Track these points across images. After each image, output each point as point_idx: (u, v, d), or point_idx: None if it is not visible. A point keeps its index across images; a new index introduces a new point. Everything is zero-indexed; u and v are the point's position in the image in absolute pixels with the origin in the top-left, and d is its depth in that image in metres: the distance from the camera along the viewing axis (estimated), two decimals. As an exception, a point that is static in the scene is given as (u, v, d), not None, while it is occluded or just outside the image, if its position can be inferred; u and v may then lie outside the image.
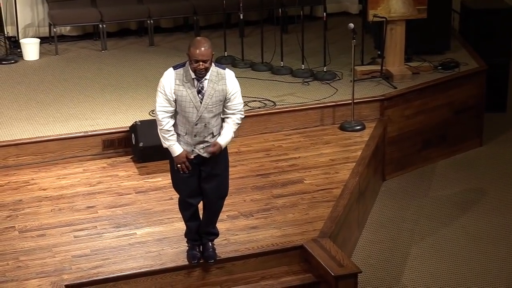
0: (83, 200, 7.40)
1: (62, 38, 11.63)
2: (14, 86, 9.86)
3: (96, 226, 6.86)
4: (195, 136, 5.97)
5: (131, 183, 7.75)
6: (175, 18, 12.28)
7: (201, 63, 5.76)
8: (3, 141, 8.14)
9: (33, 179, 7.83)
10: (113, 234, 6.76)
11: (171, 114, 5.97)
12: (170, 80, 5.92)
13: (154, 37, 11.70)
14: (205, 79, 5.87)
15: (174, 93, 5.90)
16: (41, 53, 11.06)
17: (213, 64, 5.89)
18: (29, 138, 8.20)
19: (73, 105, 9.18)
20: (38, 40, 11.11)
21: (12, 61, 10.84)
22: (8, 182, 7.77)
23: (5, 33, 11.43)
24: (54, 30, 11.29)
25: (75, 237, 6.72)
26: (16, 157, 8.08)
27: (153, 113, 5.44)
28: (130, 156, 8.29)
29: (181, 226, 6.80)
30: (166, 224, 6.90)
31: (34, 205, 7.32)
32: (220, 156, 6.08)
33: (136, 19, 11.96)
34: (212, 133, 6.01)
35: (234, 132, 6.13)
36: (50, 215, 7.11)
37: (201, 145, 6.01)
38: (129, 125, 8.33)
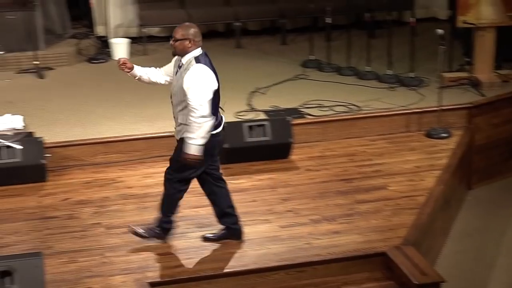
0: (168, 199, 7.48)
1: (151, 38, 11.80)
2: (103, 85, 10.05)
3: (180, 225, 6.93)
4: (175, 118, 6.39)
5: (215, 184, 7.80)
6: (262, 21, 12.34)
7: (172, 38, 6.22)
8: (92, 139, 8.31)
9: (119, 177, 7.97)
10: (196, 234, 6.82)
11: None
12: (173, 60, 6.44)
13: (241, 39, 11.77)
14: (182, 63, 6.22)
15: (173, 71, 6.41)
16: (131, 53, 11.24)
17: (195, 55, 6.18)
18: (117, 137, 8.35)
19: (160, 105, 9.29)
20: (128, 40, 11.30)
21: (102, 61, 11.06)
22: (96, 179, 7.92)
23: (96, 33, 11.67)
24: (144, 30, 11.47)
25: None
26: (104, 155, 8.24)
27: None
28: (214, 157, 8.36)
29: (264, 228, 6.85)
30: (248, 226, 6.92)
31: (120, 202, 7.44)
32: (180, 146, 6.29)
33: (224, 21, 12.05)
34: (176, 118, 6.34)
35: (195, 131, 6.11)
36: (135, 213, 7.22)
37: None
38: (215, 126, 8.39)
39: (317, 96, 9.52)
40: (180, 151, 6.29)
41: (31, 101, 9.47)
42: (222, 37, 12.19)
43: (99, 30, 11.74)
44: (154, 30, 11.96)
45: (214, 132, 6.27)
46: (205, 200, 7.38)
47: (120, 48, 11.13)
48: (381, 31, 11.59)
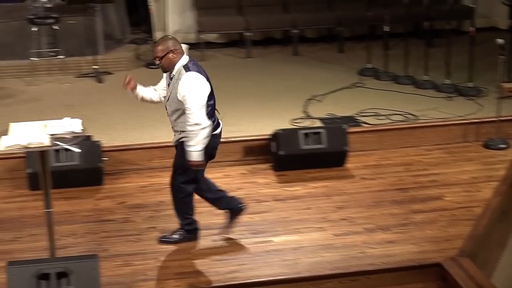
0: (222, 204, 7.51)
1: (209, 44, 11.87)
2: (161, 90, 10.13)
3: (233, 231, 6.95)
4: (172, 126, 6.56)
5: (270, 191, 7.82)
6: (319, 28, 12.33)
7: (155, 58, 6.37)
8: (148, 143, 8.39)
9: (175, 182, 8.01)
10: (250, 240, 6.84)
11: None
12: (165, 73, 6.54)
13: (298, 46, 11.78)
14: (173, 75, 6.34)
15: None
16: (188, 59, 11.31)
17: (183, 63, 6.30)
18: (173, 142, 8.41)
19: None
20: (186, 46, 11.37)
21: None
22: (152, 184, 7.99)
23: (155, 38, 11.79)
24: (202, 36, 11.54)
25: (213, 240, 6.84)
26: (160, 159, 8.30)
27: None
28: (269, 164, 8.37)
29: (318, 236, 6.83)
30: (303, 233, 6.92)
31: (175, 207, 7.49)
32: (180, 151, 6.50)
33: (282, 29, 12.08)
34: (173, 127, 6.53)
35: (194, 139, 6.25)
36: (190, 218, 7.26)
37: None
38: (270, 133, 8.41)
39: (373, 104, 9.48)
40: (179, 155, 6.51)
41: (90, 105, 9.60)
42: (279, 44, 12.21)
43: (158, 35, 11.84)
44: (212, 36, 12.03)
45: (213, 133, 6.42)
46: (260, 207, 7.42)
47: (178, 54, 11.21)
48: (440, 40, 11.48)
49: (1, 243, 6.81)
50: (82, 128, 6.08)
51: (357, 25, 12.21)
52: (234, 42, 12.15)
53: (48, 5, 10.60)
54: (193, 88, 6.25)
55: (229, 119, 9.04)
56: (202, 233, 6.92)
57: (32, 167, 7.68)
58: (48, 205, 5.99)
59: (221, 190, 6.87)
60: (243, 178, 8.10)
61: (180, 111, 6.36)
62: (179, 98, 6.28)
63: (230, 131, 8.66)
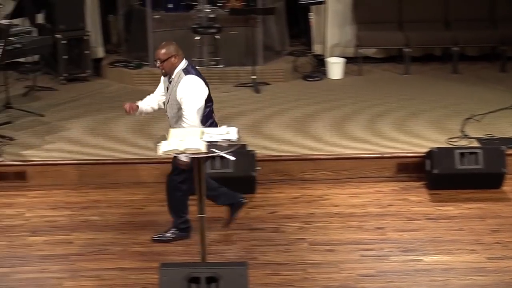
0: (373, 220, 7.46)
1: (367, 59, 11.82)
2: (317, 103, 10.17)
3: (383, 248, 6.89)
4: (170, 127, 6.64)
5: (422, 209, 7.70)
6: (481, 46, 12.05)
7: (157, 61, 6.61)
8: (302, 155, 8.43)
9: (326, 195, 8.03)
10: (399, 258, 6.76)
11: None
12: (162, 77, 6.83)
13: (458, 64, 11.55)
14: (172, 78, 6.62)
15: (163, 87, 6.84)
16: (345, 73, 11.32)
17: (183, 67, 6.61)
18: (326, 154, 8.43)
19: (371, 125, 9.30)
20: (344, 59, 11.39)
21: (317, 79, 11.20)
22: (303, 195, 8.03)
23: (313, 51, 11.86)
24: (360, 51, 11.52)
25: (362, 256, 6.80)
26: (313, 172, 8.33)
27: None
28: (423, 182, 8.24)
29: (470, 258, 6.68)
30: (454, 255, 6.77)
31: (325, 220, 7.50)
32: None
33: (442, 45, 11.88)
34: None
35: None
36: (340, 232, 7.25)
37: None
38: (425, 151, 8.28)
39: (535, 127, 9.18)
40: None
41: (246, 114, 9.75)
42: (439, 61, 12.00)
43: (316, 48, 11.91)
44: (370, 51, 11.97)
45: None
46: (411, 225, 7.32)
47: (335, 67, 11.24)
48: None
49: (156, 245, 7.02)
50: (238, 136, 6.18)
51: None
52: (392, 58, 12.03)
53: (212, 15, 10.87)
54: (191, 91, 6.57)
55: (384, 134, 9.00)
56: (350, 247, 6.91)
57: (188, 172, 7.87)
58: (201, 211, 6.13)
59: (221, 187, 7.12)
60: (395, 195, 8.02)
61: (180, 113, 6.64)
62: (177, 99, 6.57)
63: (384, 146, 8.61)
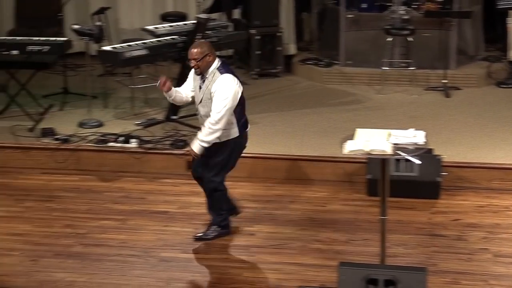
0: None
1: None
2: (508, 111, 9.84)
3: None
4: (202, 125, 6.74)
5: None
6: None
7: (192, 60, 6.64)
8: (490, 163, 8.22)
9: (513, 206, 7.80)
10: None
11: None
12: (191, 75, 6.93)
13: None
14: (206, 77, 6.66)
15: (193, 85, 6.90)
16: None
17: (217, 66, 6.67)
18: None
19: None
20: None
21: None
22: (489, 205, 7.82)
23: (509, 57, 11.48)
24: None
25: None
26: (501, 181, 8.10)
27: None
28: None
29: None
30: None
31: (511, 231, 7.27)
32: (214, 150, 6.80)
33: None
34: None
35: (207, 135, 6.65)
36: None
37: None
38: None
39: None
40: (214, 153, 6.79)
41: (435, 119, 9.60)
42: None
43: (512, 54, 11.54)
44: None
45: (246, 130, 6.89)
46: None
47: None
48: None
49: (336, 243, 7.07)
50: (425, 140, 6.11)
51: None
52: None
53: (406, 17, 10.76)
54: (226, 90, 6.62)
55: None
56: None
57: (372, 173, 7.86)
58: (383, 212, 6.10)
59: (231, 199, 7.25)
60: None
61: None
62: (211, 97, 6.64)
63: None
